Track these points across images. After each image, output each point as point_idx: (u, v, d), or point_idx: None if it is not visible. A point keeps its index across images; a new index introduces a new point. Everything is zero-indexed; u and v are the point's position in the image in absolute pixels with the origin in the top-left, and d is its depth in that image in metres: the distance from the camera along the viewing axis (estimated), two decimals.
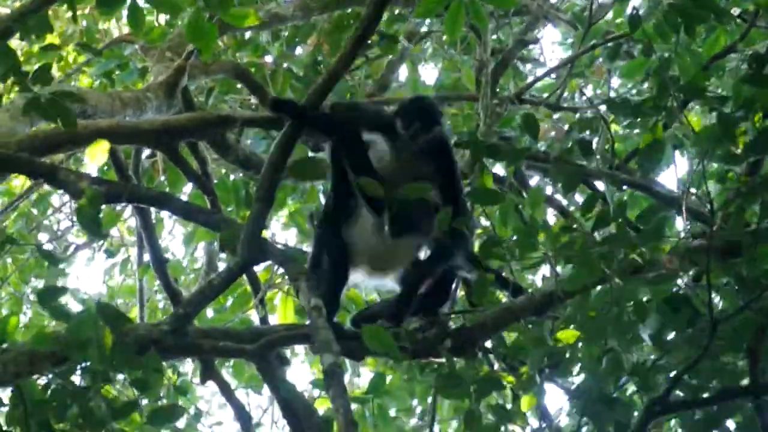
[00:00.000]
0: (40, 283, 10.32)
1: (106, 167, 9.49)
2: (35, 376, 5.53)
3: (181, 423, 6.58)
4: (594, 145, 7.99)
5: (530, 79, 10.63)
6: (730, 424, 5.58)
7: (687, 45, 7.50)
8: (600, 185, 7.59)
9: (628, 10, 7.79)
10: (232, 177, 9.25)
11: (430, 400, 8.11)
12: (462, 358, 5.94)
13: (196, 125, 7.62)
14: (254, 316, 9.13)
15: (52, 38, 10.10)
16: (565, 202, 8.76)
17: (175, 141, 7.61)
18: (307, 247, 9.02)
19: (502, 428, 5.62)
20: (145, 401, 5.45)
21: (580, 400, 5.39)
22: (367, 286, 6.64)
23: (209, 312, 9.67)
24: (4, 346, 5.96)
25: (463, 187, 6.57)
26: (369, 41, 7.87)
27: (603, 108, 8.33)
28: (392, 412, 8.17)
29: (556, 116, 10.17)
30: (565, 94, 10.02)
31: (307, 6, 9.63)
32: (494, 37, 10.61)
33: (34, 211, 10.98)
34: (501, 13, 10.44)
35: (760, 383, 5.39)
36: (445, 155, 6.50)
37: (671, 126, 6.84)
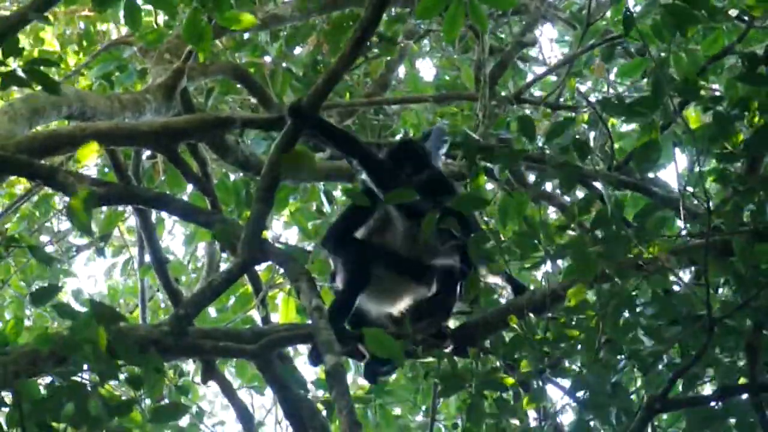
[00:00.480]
0: (41, 285, 10.32)
1: (106, 168, 9.52)
2: (36, 377, 5.55)
3: (183, 422, 6.60)
4: (591, 143, 8.02)
5: (529, 78, 10.66)
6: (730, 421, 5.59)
7: (683, 45, 7.52)
8: (598, 185, 7.60)
9: (624, 12, 7.78)
10: (232, 178, 9.27)
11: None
12: (463, 358, 5.95)
13: (195, 126, 7.63)
14: (256, 316, 9.14)
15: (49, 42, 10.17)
16: (567, 198, 8.76)
17: (175, 142, 7.61)
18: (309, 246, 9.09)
19: (504, 422, 5.62)
20: (147, 400, 5.45)
21: (581, 392, 5.40)
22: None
23: (212, 312, 9.69)
24: (6, 348, 6.00)
25: (475, 221, 6.60)
26: (368, 42, 7.87)
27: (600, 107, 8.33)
28: (395, 411, 8.21)
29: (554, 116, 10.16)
30: (564, 93, 10.03)
31: (305, 7, 9.64)
32: (493, 35, 10.63)
33: (36, 213, 10.98)
34: (500, 13, 10.46)
35: (759, 381, 5.40)
36: (445, 189, 6.53)
37: (670, 125, 6.87)
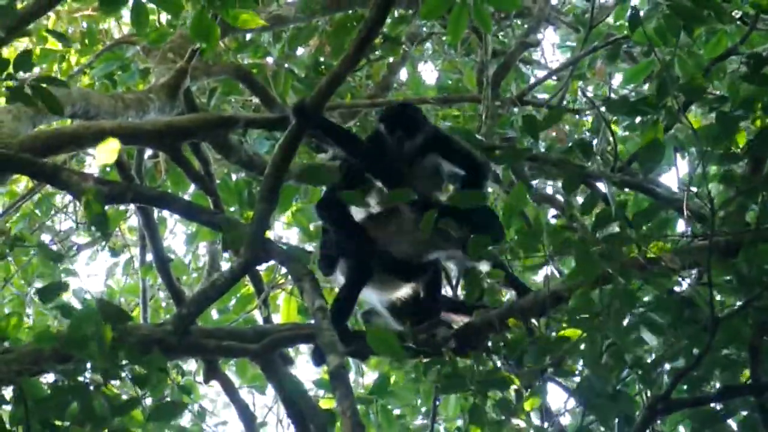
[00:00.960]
0: (43, 284, 10.31)
1: (108, 168, 9.51)
2: (38, 375, 5.55)
3: (185, 422, 6.60)
4: (594, 146, 8.02)
5: (532, 80, 10.66)
6: (732, 421, 5.59)
7: (688, 47, 7.52)
8: (601, 186, 7.60)
9: (629, 12, 7.78)
10: (234, 177, 9.26)
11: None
12: (465, 358, 5.95)
13: (199, 126, 7.63)
14: (258, 317, 9.14)
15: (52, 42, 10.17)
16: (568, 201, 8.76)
17: (179, 141, 7.62)
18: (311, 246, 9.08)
19: (506, 423, 5.62)
20: (149, 399, 5.46)
21: (583, 395, 5.40)
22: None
23: (214, 313, 9.69)
24: (6, 345, 6.00)
25: (482, 158, 6.61)
26: (372, 43, 7.87)
27: (603, 109, 8.35)
28: (396, 411, 8.19)
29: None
30: (567, 95, 10.04)
31: (308, 8, 9.64)
32: (496, 38, 10.64)
33: (37, 212, 10.98)
34: (503, 15, 10.47)
35: (762, 381, 5.40)
36: (448, 144, 6.55)
37: (672, 128, 6.87)
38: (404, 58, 10.90)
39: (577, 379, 5.56)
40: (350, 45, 6.50)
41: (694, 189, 6.00)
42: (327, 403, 7.72)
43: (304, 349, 8.11)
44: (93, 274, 26.12)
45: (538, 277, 8.36)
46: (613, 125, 8.19)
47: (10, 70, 6.19)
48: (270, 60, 10.35)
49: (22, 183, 10.74)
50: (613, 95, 9.89)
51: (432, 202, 6.19)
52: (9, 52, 9.72)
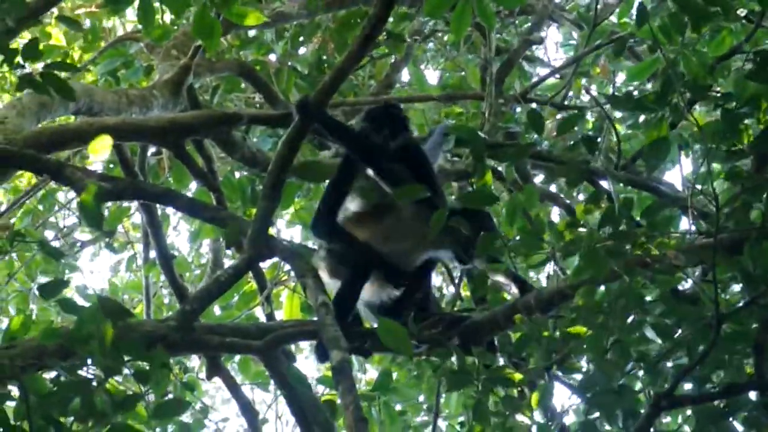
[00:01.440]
0: (46, 280, 10.32)
1: (112, 164, 9.52)
2: (42, 371, 5.55)
3: (187, 418, 6.59)
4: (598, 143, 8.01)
5: (535, 78, 10.67)
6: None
7: (693, 44, 7.52)
8: (605, 184, 7.60)
9: (634, 9, 7.78)
10: (237, 174, 9.27)
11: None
12: (469, 355, 5.95)
13: (202, 122, 7.64)
14: (260, 313, 9.14)
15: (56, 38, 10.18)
16: (569, 201, 8.77)
17: (182, 138, 7.62)
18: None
19: (510, 419, 5.62)
20: (151, 396, 5.45)
21: (587, 391, 5.40)
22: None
23: (216, 309, 9.70)
24: (13, 341, 6.01)
25: (440, 187, 6.61)
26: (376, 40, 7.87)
27: (608, 106, 8.34)
28: (399, 408, 8.20)
29: (560, 115, 10.16)
30: (570, 93, 10.05)
31: (311, 5, 9.64)
32: (499, 36, 10.63)
33: (40, 208, 10.99)
34: (506, 13, 10.47)
35: (767, 378, 5.40)
36: (417, 157, 6.55)
37: (677, 125, 6.86)
38: (407, 55, 10.89)
39: (581, 375, 5.56)
40: (353, 42, 6.49)
41: (698, 186, 5.99)
42: (329, 398, 7.71)
43: (307, 346, 8.11)
44: (96, 270, 26.11)
45: (542, 276, 8.38)
46: (616, 123, 8.19)
47: (19, 59, 6.18)
48: (273, 57, 10.35)
49: (25, 179, 10.75)
50: (616, 93, 9.88)
51: (432, 201, 6.17)
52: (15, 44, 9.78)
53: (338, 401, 5.35)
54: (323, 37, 10.40)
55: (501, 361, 5.92)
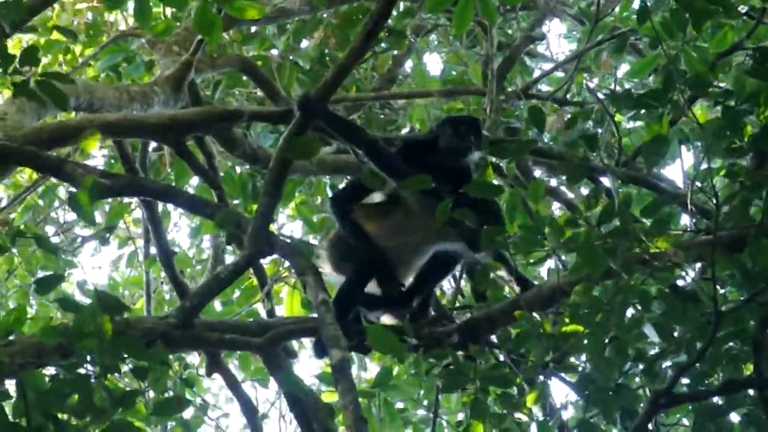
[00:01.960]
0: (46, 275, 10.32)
1: (113, 161, 9.52)
2: (41, 368, 5.55)
3: (187, 415, 6.59)
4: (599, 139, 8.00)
5: (537, 74, 10.65)
6: (734, 416, 5.59)
7: (694, 41, 7.50)
8: (605, 180, 7.59)
9: (635, 4, 7.77)
10: (238, 170, 9.27)
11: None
12: (468, 353, 5.94)
13: (203, 119, 7.63)
14: (261, 310, 9.14)
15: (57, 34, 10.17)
16: (571, 195, 8.76)
17: (183, 135, 7.62)
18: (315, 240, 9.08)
19: (508, 417, 5.62)
20: (150, 392, 5.45)
21: (586, 389, 5.40)
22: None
23: (217, 305, 9.70)
24: (11, 338, 6.00)
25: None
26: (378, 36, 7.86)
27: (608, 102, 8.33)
28: (399, 405, 8.20)
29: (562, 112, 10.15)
30: (572, 88, 10.03)
31: (313, 0, 9.63)
32: (500, 30, 10.62)
33: (41, 204, 10.99)
34: (508, 8, 10.46)
35: (765, 376, 5.40)
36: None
37: (678, 121, 6.85)
38: (409, 50, 10.88)
39: (580, 373, 5.56)
40: (355, 37, 6.49)
41: (698, 183, 5.98)
42: (329, 396, 7.71)
43: (308, 342, 8.10)
44: (97, 266, 26.12)
45: (542, 271, 8.37)
46: (618, 116, 8.17)
47: (16, 64, 6.17)
48: (275, 53, 10.34)
49: (26, 175, 10.75)
50: (618, 88, 9.87)
51: (441, 195, 6.15)
52: (14, 44, 9.77)
53: (337, 400, 5.34)
54: (325, 32, 10.39)
55: (500, 358, 5.92)
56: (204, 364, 7.28)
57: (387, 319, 6.52)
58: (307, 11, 9.91)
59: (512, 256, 5.98)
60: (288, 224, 11.07)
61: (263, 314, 8.82)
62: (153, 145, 9.19)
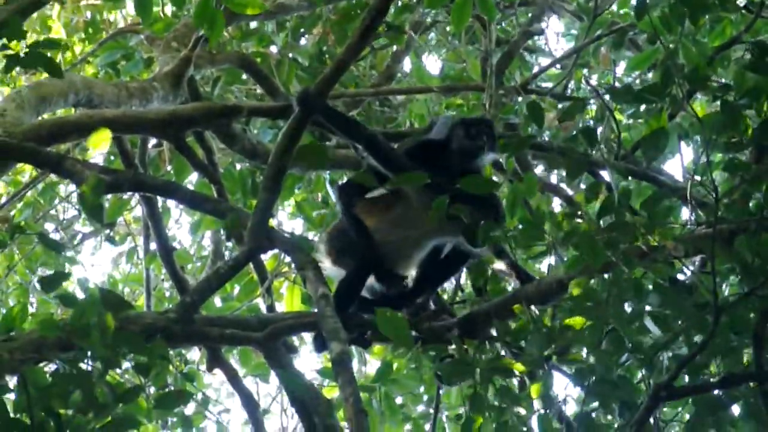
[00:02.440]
0: (46, 272, 10.33)
1: (112, 157, 9.52)
2: (42, 363, 5.55)
3: (188, 410, 6.60)
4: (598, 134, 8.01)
5: (535, 69, 10.66)
6: (735, 409, 5.59)
7: (692, 35, 7.51)
8: (605, 174, 7.60)
9: (634, 0, 7.77)
10: (238, 166, 9.27)
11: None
12: (468, 346, 5.95)
13: (202, 115, 7.64)
14: (261, 305, 9.14)
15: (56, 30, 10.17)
16: (570, 192, 8.76)
17: (182, 130, 7.63)
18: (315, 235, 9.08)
19: (508, 411, 5.62)
20: (151, 388, 5.45)
21: (586, 382, 5.40)
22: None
23: (217, 301, 9.70)
24: (11, 333, 6.00)
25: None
26: (376, 31, 7.87)
27: (607, 97, 8.33)
28: (399, 400, 8.20)
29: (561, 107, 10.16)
30: (571, 84, 10.04)
31: None
32: (500, 26, 10.63)
33: (41, 201, 10.99)
34: (507, 4, 10.46)
35: (765, 369, 5.40)
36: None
37: (676, 115, 6.85)
38: (408, 46, 10.88)
39: (579, 365, 5.56)
40: (354, 33, 6.49)
41: (698, 177, 5.99)
42: (330, 391, 7.72)
43: (308, 337, 8.10)
44: (97, 263, 26.15)
45: (542, 266, 8.38)
46: (617, 113, 8.18)
47: (4, 40, 6.15)
48: (274, 49, 10.34)
49: (26, 172, 10.75)
50: (617, 83, 9.87)
51: (440, 189, 6.15)
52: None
53: (338, 393, 5.35)
54: (324, 28, 10.39)
55: (501, 352, 5.93)
56: (204, 359, 7.29)
57: None
58: (306, 7, 9.92)
59: (512, 251, 5.99)
60: (288, 221, 11.09)
61: (263, 310, 8.83)
62: (152, 141, 9.20)
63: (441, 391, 8.07)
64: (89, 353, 5.19)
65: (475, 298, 6.41)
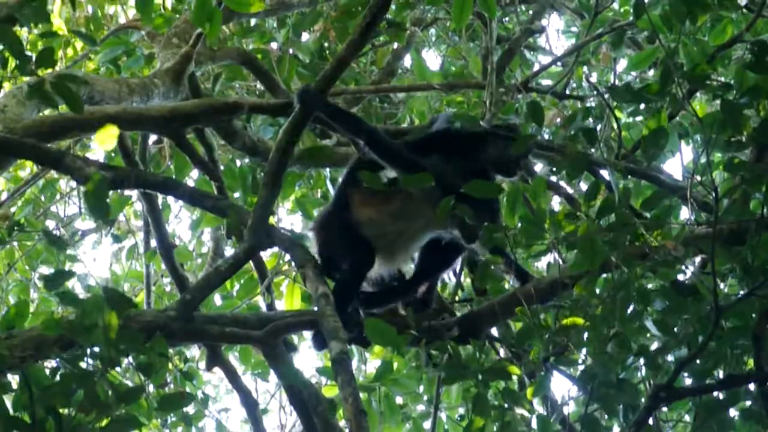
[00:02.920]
0: (46, 269, 10.33)
1: (113, 153, 9.51)
2: (42, 361, 5.55)
3: (188, 408, 6.59)
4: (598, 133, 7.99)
5: (536, 67, 10.65)
6: (734, 410, 5.60)
7: (692, 34, 7.50)
8: (605, 173, 7.59)
9: None
10: (238, 163, 9.26)
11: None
12: (468, 346, 5.95)
13: (203, 111, 7.63)
14: (261, 303, 9.13)
15: (57, 26, 10.15)
16: (570, 191, 8.75)
17: (183, 127, 7.62)
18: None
19: (509, 412, 5.62)
20: (152, 387, 5.45)
21: (587, 383, 5.40)
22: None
23: (217, 299, 9.70)
24: (12, 331, 6.00)
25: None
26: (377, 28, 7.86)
27: (608, 96, 8.33)
28: (399, 399, 8.19)
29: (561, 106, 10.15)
30: (572, 82, 10.03)
31: None
32: (501, 24, 10.62)
33: (41, 197, 10.98)
34: (507, 1, 10.45)
35: (765, 370, 5.40)
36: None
37: (677, 115, 6.84)
38: (409, 43, 10.87)
39: (581, 367, 5.56)
40: (355, 30, 6.49)
41: (698, 177, 5.99)
42: (329, 390, 7.72)
43: (308, 335, 8.12)
44: (97, 259, 26.12)
45: (542, 264, 8.37)
46: (617, 111, 8.17)
47: (32, 66, 6.14)
48: (274, 45, 10.34)
49: (26, 168, 10.75)
50: (617, 81, 9.86)
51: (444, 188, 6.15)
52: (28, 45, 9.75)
53: (338, 393, 5.35)
54: (325, 25, 10.38)
55: (501, 353, 5.93)
56: (204, 357, 7.28)
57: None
58: (307, 4, 9.92)
59: (512, 250, 5.99)
60: (288, 218, 11.09)
61: (263, 307, 8.82)
62: (153, 137, 9.19)
63: (441, 391, 8.07)
64: (91, 352, 5.19)
65: (476, 298, 6.42)
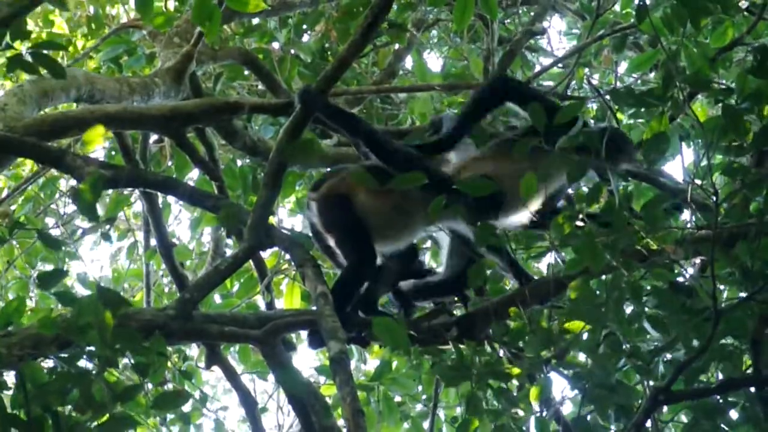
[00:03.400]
0: (46, 267, 10.32)
1: (113, 152, 9.52)
2: (39, 360, 5.54)
3: (186, 407, 6.60)
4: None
5: (537, 68, 10.65)
6: (733, 414, 5.59)
7: (694, 37, 7.50)
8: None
9: (636, 1, 7.76)
10: (239, 163, 9.27)
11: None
12: (466, 346, 5.94)
13: (204, 111, 7.63)
14: (261, 302, 9.14)
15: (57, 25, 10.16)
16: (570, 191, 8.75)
17: (183, 126, 7.62)
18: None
19: (505, 413, 5.62)
20: (149, 386, 5.44)
21: (583, 385, 5.40)
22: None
23: (216, 298, 9.70)
24: (10, 329, 6.00)
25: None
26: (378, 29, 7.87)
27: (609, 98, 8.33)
28: (397, 399, 8.20)
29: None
30: (573, 83, 10.03)
31: None
32: (503, 25, 10.63)
33: (41, 195, 10.98)
34: (509, 3, 10.46)
35: (763, 374, 5.40)
36: None
37: (677, 117, 6.84)
38: (410, 44, 10.88)
39: (578, 368, 5.56)
40: (356, 30, 6.49)
41: (698, 181, 5.98)
42: (328, 389, 7.73)
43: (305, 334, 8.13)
44: (97, 258, 26.11)
45: (542, 265, 8.37)
46: (618, 113, 8.17)
47: (7, 39, 6.14)
48: (276, 45, 10.34)
49: (27, 167, 10.75)
50: (619, 83, 9.87)
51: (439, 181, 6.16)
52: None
53: (335, 392, 5.35)
54: (326, 25, 10.39)
55: (501, 353, 5.92)
56: (203, 356, 7.29)
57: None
58: (309, 4, 9.92)
59: (512, 250, 5.99)
60: (288, 218, 11.08)
61: (263, 306, 8.83)
62: (153, 136, 9.19)
63: (439, 390, 8.07)
64: (87, 351, 5.19)
65: (475, 298, 6.41)
